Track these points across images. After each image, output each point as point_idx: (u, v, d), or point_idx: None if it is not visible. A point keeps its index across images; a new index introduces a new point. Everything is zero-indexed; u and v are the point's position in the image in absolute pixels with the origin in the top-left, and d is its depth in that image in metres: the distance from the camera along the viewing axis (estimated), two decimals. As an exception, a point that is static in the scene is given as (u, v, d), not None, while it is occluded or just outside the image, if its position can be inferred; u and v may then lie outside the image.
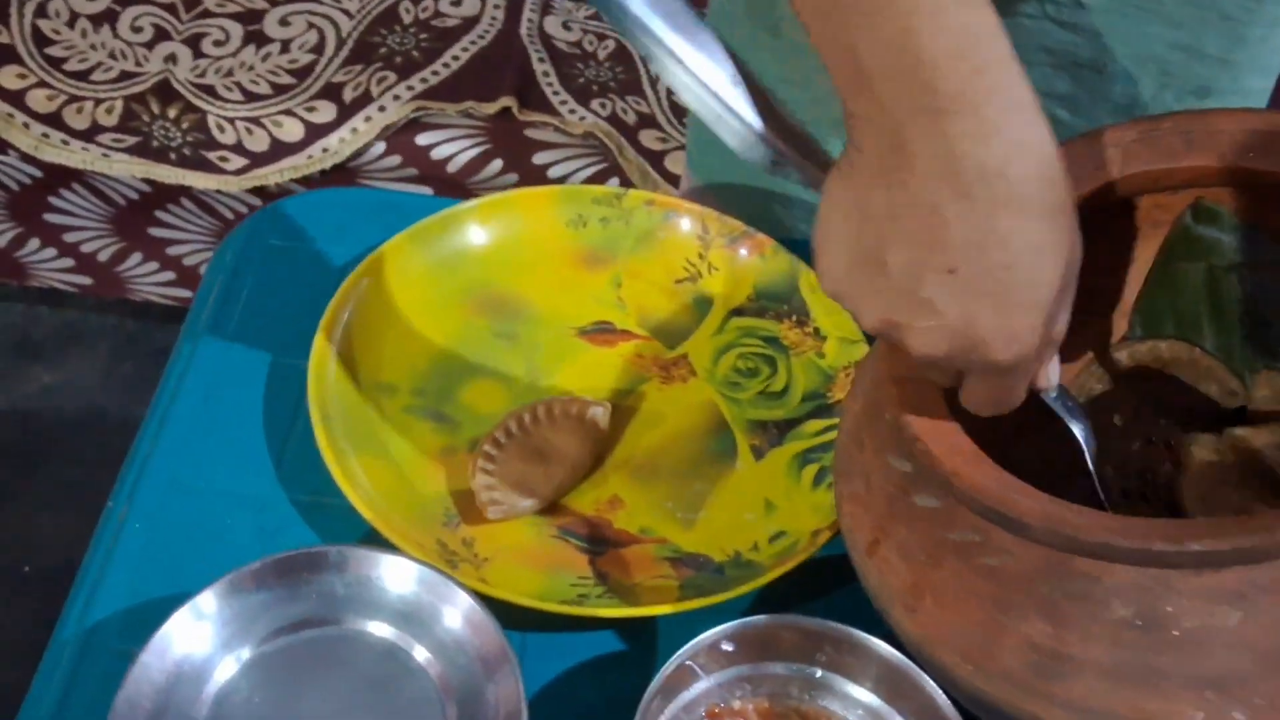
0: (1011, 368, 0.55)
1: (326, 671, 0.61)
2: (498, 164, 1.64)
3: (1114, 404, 0.76)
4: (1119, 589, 0.54)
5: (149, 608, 0.71)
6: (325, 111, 1.64)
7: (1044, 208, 0.51)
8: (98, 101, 1.67)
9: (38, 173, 1.72)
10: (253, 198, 1.68)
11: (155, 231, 1.79)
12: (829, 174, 0.56)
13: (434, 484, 0.78)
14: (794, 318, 0.89)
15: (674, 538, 0.78)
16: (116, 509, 0.77)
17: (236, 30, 1.75)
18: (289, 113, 1.65)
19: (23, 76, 1.69)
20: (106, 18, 1.76)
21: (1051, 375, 0.60)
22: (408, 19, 1.76)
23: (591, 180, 1.64)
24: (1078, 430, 0.66)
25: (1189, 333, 0.76)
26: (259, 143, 1.64)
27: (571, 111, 1.64)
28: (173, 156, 1.65)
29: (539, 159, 1.64)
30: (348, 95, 1.66)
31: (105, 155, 1.66)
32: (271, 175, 1.63)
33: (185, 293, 1.85)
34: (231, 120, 1.65)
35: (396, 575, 0.63)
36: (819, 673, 0.67)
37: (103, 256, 1.84)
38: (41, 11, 1.76)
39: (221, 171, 1.64)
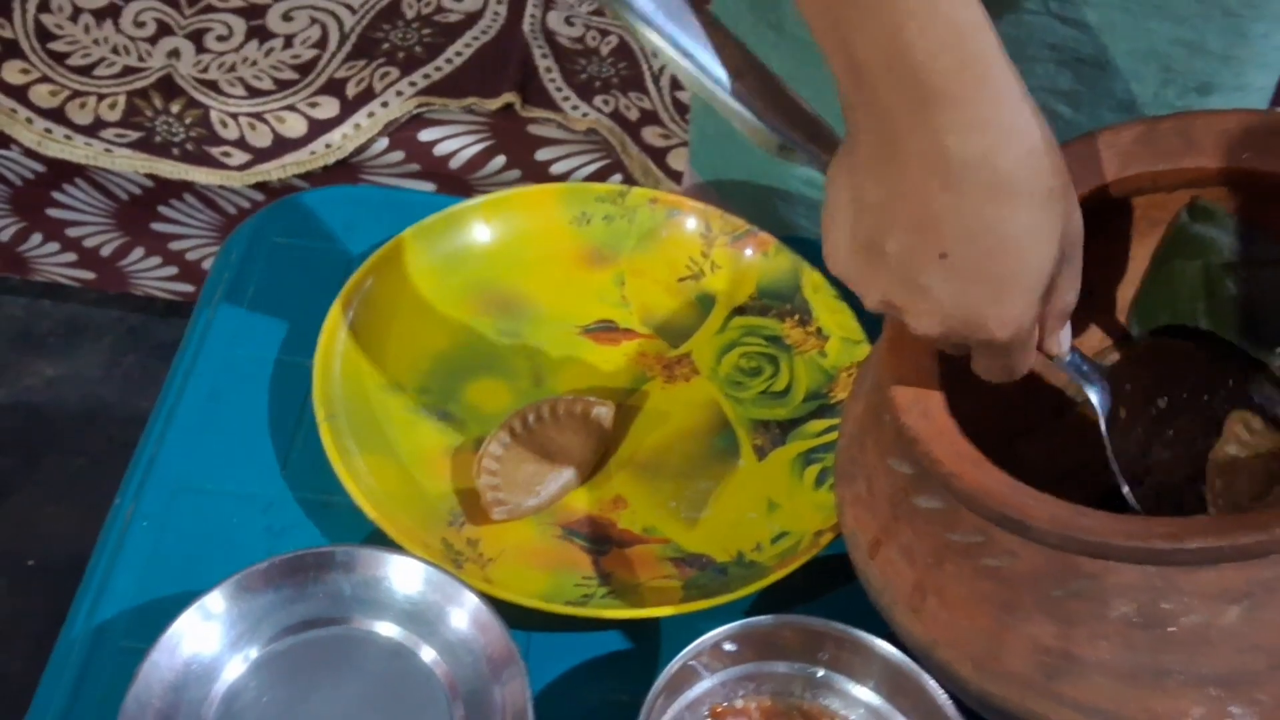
0: (1009, 344, 0.57)
1: (334, 671, 0.62)
2: (500, 160, 1.65)
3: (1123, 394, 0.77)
4: (1123, 588, 0.54)
5: (156, 606, 0.71)
6: (328, 107, 1.65)
7: (1030, 193, 0.53)
8: (101, 97, 1.68)
9: (41, 168, 1.73)
10: (255, 193, 1.68)
11: (158, 226, 1.80)
12: (833, 160, 0.58)
13: (439, 483, 0.79)
14: (796, 317, 0.89)
15: (677, 538, 0.78)
16: (123, 508, 0.77)
17: (240, 25, 1.75)
18: (292, 108, 1.65)
19: (26, 72, 1.70)
20: (109, 13, 1.77)
21: (1063, 342, 0.62)
22: (410, 14, 1.76)
23: (594, 176, 1.65)
24: (1093, 395, 0.68)
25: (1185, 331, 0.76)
26: (262, 138, 1.64)
27: (574, 108, 1.65)
28: (175, 152, 1.66)
29: (542, 155, 1.64)
30: (350, 91, 1.66)
31: (108, 150, 1.66)
32: (274, 171, 1.64)
33: (188, 287, 1.86)
34: (234, 115, 1.65)
35: (404, 575, 0.64)
36: (821, 672, 0.68)
37: (105, 251, 1.85)
38: (44, 6, 1.76)
39: (224, 167, 1.65)
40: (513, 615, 0.69)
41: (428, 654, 0.62)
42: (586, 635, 0.73)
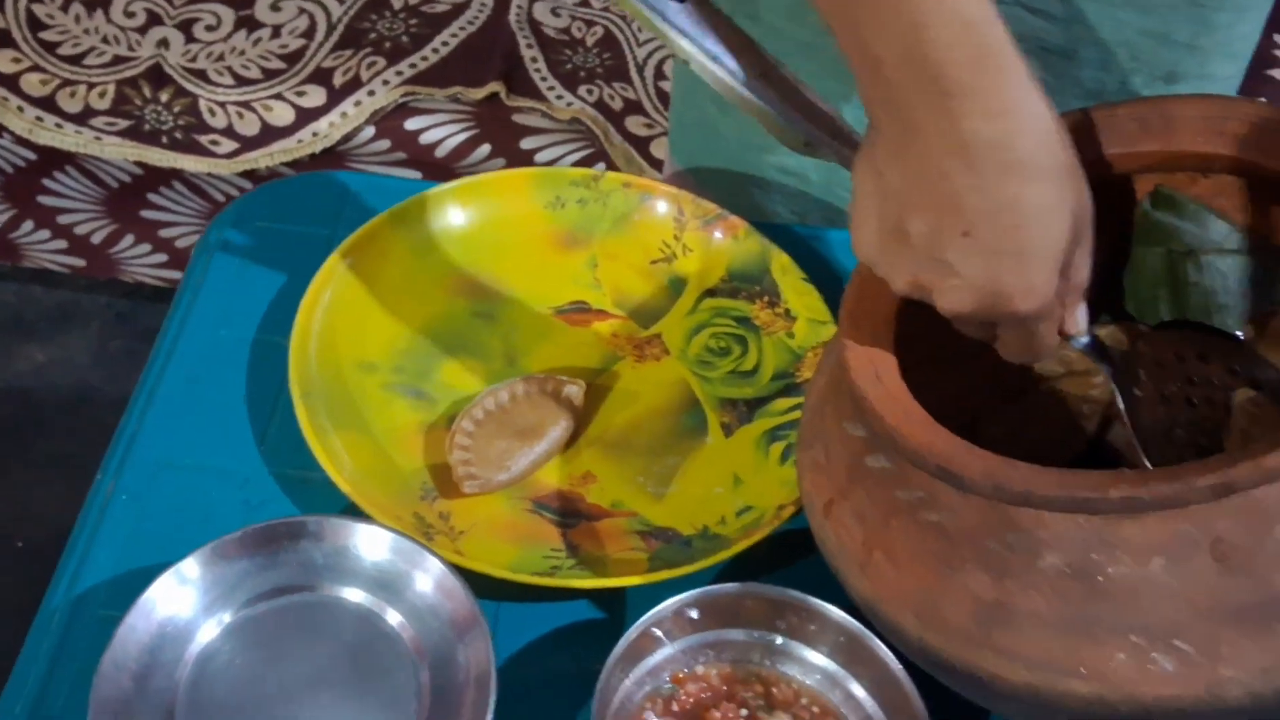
0: (1035, 317, 0.60)
1: (305, 635, 0.64)
2: (486, 149, 1.67)
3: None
4: (1054, 540, 0.56)
5: (134, 576, 0.73)
6: (315, 96, 1.67)
7: (1047, 171, 0.56)
8: (91, 85, 1.69)
9: (32, 155, 1.74)
10: (244, 181, 1.70)
11: (147, 214, 1.81)
12: (857, 154, 0.61)
13: (413, 459, 0.81)
14: (765, 299, 0.91)
15: (644, 511, 0.80)
16: (104, 483, 0.79)
17: (228, 15, 1.77)
18: (279, 97, 1.67)
19: (17, 60, 1.71)
20: (100, 3, 1.78)
21: (1080, 321, 0.65)
22: (398, 4, 1.78)
23: (578, 165, 1.67)
24: (1107, 373, 0.70)
25: (1147, 316, 0.78)
26: (249, 126, 1.66)
27: (559, 97, 1.66)
28: (164, 140, 1.67)
29: (526, 144, 1.66)
30: (337, 80, 1.68)
31: (98, 138, 1.68)
32: (262, 159, 1.65)
33: (176, 274, 1.88)
34: (222, 104, 1.67)
35: (371, 544, 0.66)
36: (779, 639, 0.70)
37: (95, 238, 1.86)
38: (36, -4, 1.78)
39: (212, 155, 1.67)
40: (482, 586, 0.71)
41: (394, 618, 0.64)
42: (554, 605, 0.75)
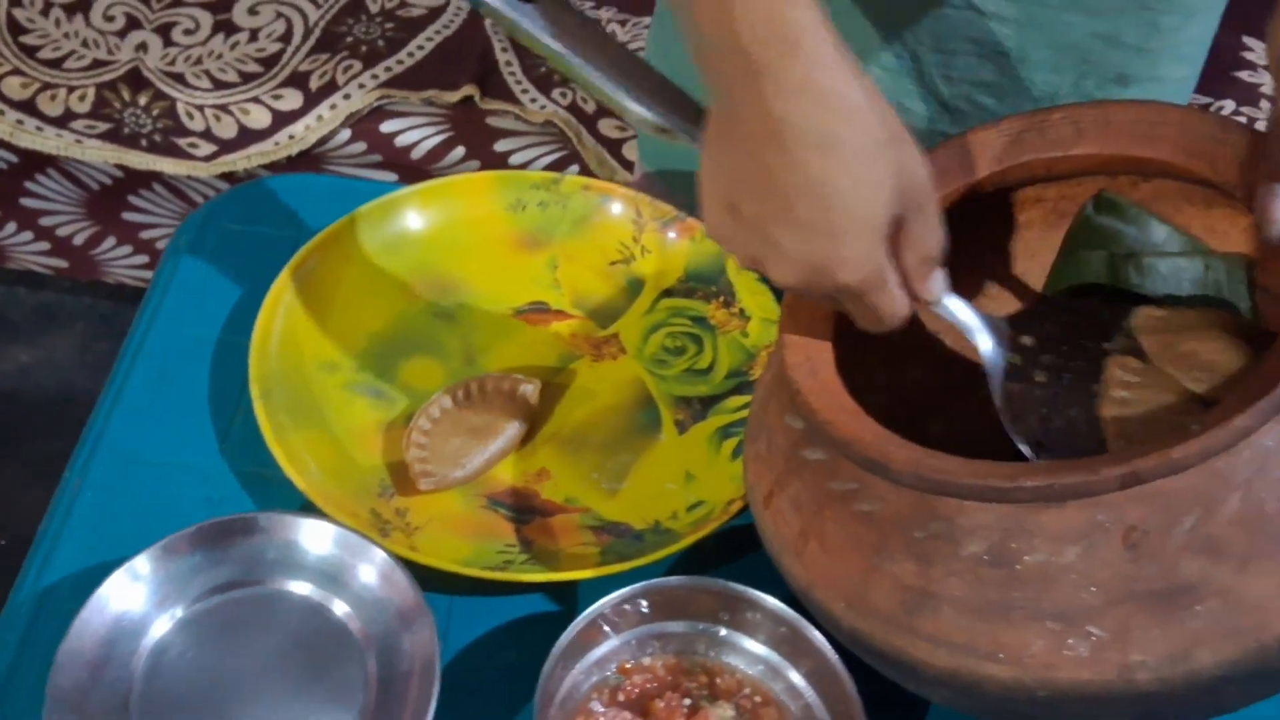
0: (861, 288, 0.62)
1: (256, 627, 0.66)
2: (460, 151, 1.68)
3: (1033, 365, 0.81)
4: (974, 529, 0.59)
5: (98, 571, 0.74)
6: (291, 99, 1.68)
7: (855, 147, 0.59)
8: (70, 89, 1.71)
9: (13, 158, 1.76)
10: (222, 183, 1.72)
11: (128, 216, 1.83)
12: (704, 133, 0.63)
13: (371, 457, 0.83)
14: (721, 299, 0.93)
15: (598, 507, 0.82)
16: (71, 479, 0.81)
17: (206, 19, 1.79)
18: (256, 100, 1.69)
19: (-2, 64, 1.73)
20: (79, 7, 1.80)
21: (933, 288, 0.66)
22: (374, 9, 1.79)
23: (551, 167, 1.68)
24: (976, 340, 0.70)
25: None
26: (227, 129, 1.68)
27: (532, 100, 1.68)
28: (144, 143, 1.69)
29: (500, 146, 1.68)
30: (314, 83, 1.70)
31: (78, 141, 1.70)
32: (240, 161, 1.67)
33: (158, 276, 1.89)
34: (200, 107, 1.69)
35: (319, 538, 0.68)
36: (723, 631, 0.72)
37: (78, 240, 1.88)
38: (16, 1, 1.80)
39: (191, 157, 1.68)
40: (435, 580, 0.73)
41: (341, 609, 0.66)
42: (507, 599, 0.77)
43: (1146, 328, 0.74)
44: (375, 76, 1.69)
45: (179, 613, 0.66)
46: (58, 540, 0.78)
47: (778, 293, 0.91)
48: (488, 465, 0.83)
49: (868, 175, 0.59)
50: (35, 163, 1.76)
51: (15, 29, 1.77)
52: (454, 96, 1.67)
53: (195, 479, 0.81)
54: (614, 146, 1.66)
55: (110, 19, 1.78)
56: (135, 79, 1.71)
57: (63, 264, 1.92)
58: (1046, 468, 0.57)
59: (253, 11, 1.79)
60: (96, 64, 1.73)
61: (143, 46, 1.75)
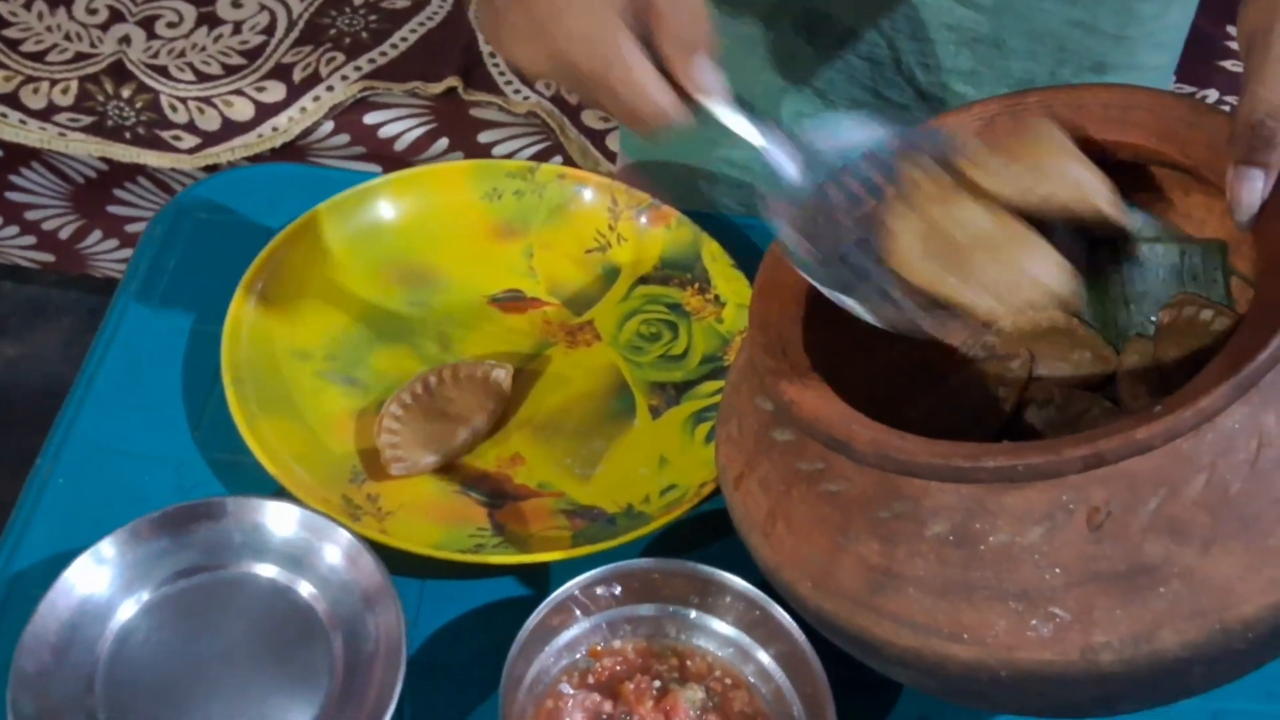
0: (601, 70, 0.61)
1: (222, 610, 0.66)
2: (444, 142, 1.68)
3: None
4: (938, 509, 0.58)
5: (68, 558, 0.74)
6: (275, 91, 1.68)
7: None
8: (54, 82, 1.71)
9: (-2, 152, 1.76)
10: (206, 176, 1.72)
11: (113, 209, 1.83)
12: None
13: (343, 444, 0.83)
14: (696, 285, 0.93)
15: (571, 491, 0.82)
16: (42, 467, 0.81)
17: (190, 12, 1.79)
18: (239, 92, 1.69)
19: (-20, 58, 1.73)
20: (62, 0, 1.80)
21: (696, 77, 0.62)
22: (357, 1, 1.80)
23: (534, 158, 1.68)
24: (767, 161, 0.66)
25: None
26: (210, 122, 1.68)
27: (516, 91, 1.68)
28: (127, 135, 1.69)
29: (484, 138, 1.68)
30: (297, 75, 1.70)
31: (62, 134, 1.70)
32: (223, 154, 1.67)
33: (143, 269, 1.89)
34: (184, 100, 1.69)
35: (284, 520, 0.68)
36: (693, 614, 0.72)
37: (63, 234, 1.88)
38: (-2, -6, 1.80)
39: (175, 150, 1.69)
40: (407, 564, 0.73)
41: (306, 590, 0.66)
42: (478, 583, 0.77)
43: None
44: (359, 68, 1.69)
45: (145, 596, 0.66)
46: (28, 527, 0.78)
47: (752, 278, 0.91)
48: (460, 451, 0.83)
49: None
50: (19, 156, 1.76)
51: (-2, 23, 1.77)
52: (437, 88, 1.67)
53: (167, 467, 0.81)
54: (597, 137, 1.66)
55: (93, 12, 1.78)
56: (118, 72, 1.71)
57: (49, 258, 1.92)
58: (1008, 449, 0.57)
59: (236, 4, 1.80)
60: (79, 57, 1.73)
61: (126, 39, 1.75)
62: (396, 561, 0.71)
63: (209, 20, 1.77)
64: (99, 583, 0.66)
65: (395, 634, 0.64)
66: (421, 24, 1.76)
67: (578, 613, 0.71)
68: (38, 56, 1.73)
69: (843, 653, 0.66)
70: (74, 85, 1.71)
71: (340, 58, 1.71)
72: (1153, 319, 0.78)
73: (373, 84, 1.67)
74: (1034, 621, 0.56)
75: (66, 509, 0.79)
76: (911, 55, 0.96)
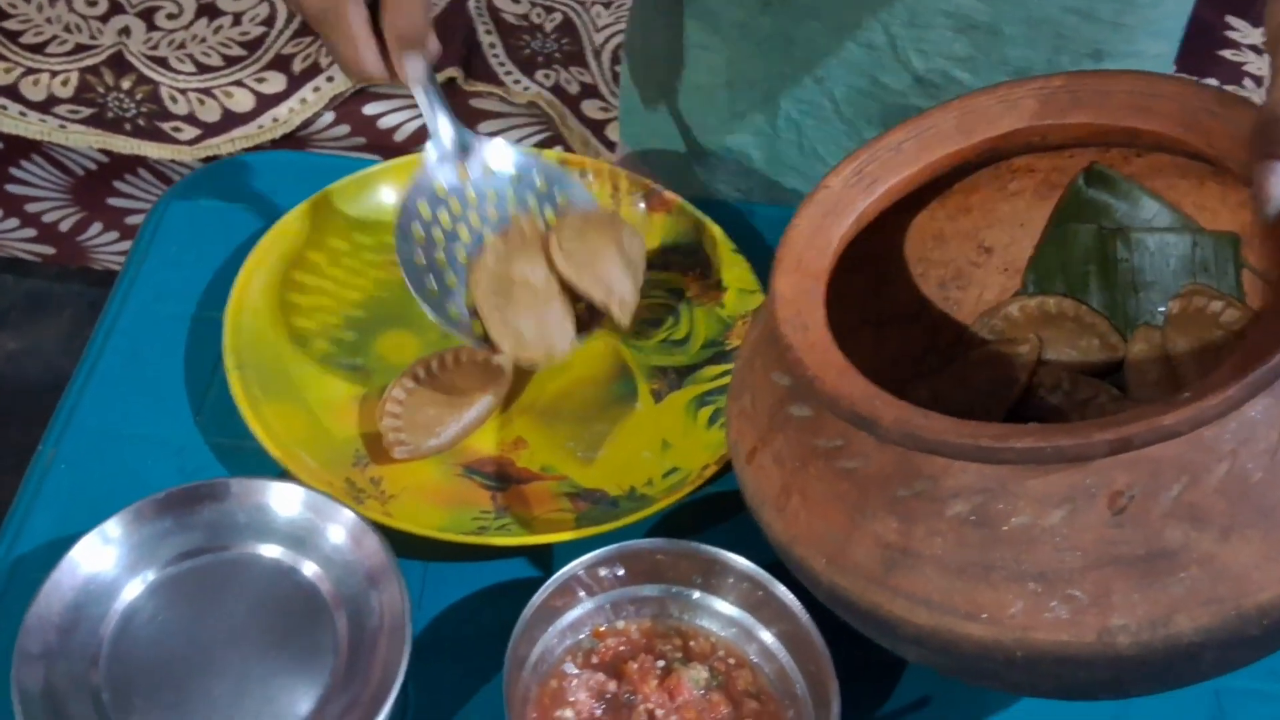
0: (320, 19, 0.73)
1: (227, 590, 0.66)
2: (445, 133, 1.68)
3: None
4: (959, 489, 0.58)
5: (71, 541, 0.74)
6: (275, 82, 1.68)
7: None
8: (54, 74, 1.71)
9: (-2, 144, 1.76)
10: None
11: (114, 201, 1.83)
12: None
13: (346, 428, 0.83)
14: (697, 270, 0.93)
15: (573, 475, 0.82)
16: (44, 452, 0.81)
17: (189, 3, 1.79)
18: (239, 83, 1.69)
19: (-20, 50, 1.73)
20: (62, -8, 1.80)
21: (405, 70, 0.79)
22: (358, -8, 1.79)
23: (535, 148, 1.68)
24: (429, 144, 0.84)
25: (1077, 290, 0.80)
26: (211, 113, 1.68)
27: (516, 82, 1.68)
28: (128, 127, 1.69)
29: (484, 128, 1.68)
30: (297, 66, 1.70)
31: (62, 126, 1.70)
32: (224, 145, 1.67)
33: (144, 261, 1.89)
34: (184, 91, 1.69)
35: (287, 501, 0.68)
36: (696, 594, 0.72)
37: (64, 226, 1.88)
38: (-2, -14, 1.80)
39: (175, 141, 1.68)
40: (410, 546, 0.73)
41: (311, 570, 0.66)
42: (482, 565, 0.77)
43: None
44: (359, 59, 1.69)
45: (149, 576, 0.66)
46: (30, 512, 0.78)
47: (755, 264, 0.91)
48: (462, 434, 0.83)
49: None
50: (19, 148, 1.76)
51: (-2, 14, 1.77)
52: (437, 78, 1.66)
53: (169, 452, 0.81)
54: (597, 127, 1.66)
55: (93, 4, 1.79)
56: (118, 63, 1.71)
57: (50, 250, 1.92)
58: (1036, 430, 0.57)
59: (236, -5, 1.80)
60: (79, 48, 1.73)
61: (126, 31, 1.75)
62: (400, 544, 0.71)
63: (209, 11, 1.77)
64: (104, 563, 0.66)
65: (399, 612, 0.64)
66: (421, 15, 1.75)
67: (581, 593, 0.71)
68: (38, 48, 1.73)
69: (846, 632, 0.66)
70: (74, 77, 1.70)
71: (340, 49, 1.70)
72: (1161, 308, 0.78)
73: (373, 75, 1.67)
74: (1052, 603, 0.56)
75: (69, 494, 0.79)
76: (908, 41, 0.96)
